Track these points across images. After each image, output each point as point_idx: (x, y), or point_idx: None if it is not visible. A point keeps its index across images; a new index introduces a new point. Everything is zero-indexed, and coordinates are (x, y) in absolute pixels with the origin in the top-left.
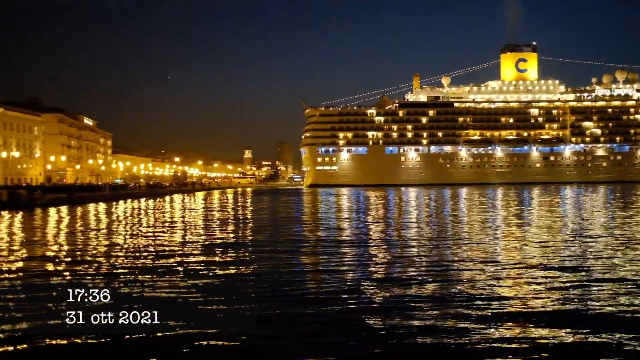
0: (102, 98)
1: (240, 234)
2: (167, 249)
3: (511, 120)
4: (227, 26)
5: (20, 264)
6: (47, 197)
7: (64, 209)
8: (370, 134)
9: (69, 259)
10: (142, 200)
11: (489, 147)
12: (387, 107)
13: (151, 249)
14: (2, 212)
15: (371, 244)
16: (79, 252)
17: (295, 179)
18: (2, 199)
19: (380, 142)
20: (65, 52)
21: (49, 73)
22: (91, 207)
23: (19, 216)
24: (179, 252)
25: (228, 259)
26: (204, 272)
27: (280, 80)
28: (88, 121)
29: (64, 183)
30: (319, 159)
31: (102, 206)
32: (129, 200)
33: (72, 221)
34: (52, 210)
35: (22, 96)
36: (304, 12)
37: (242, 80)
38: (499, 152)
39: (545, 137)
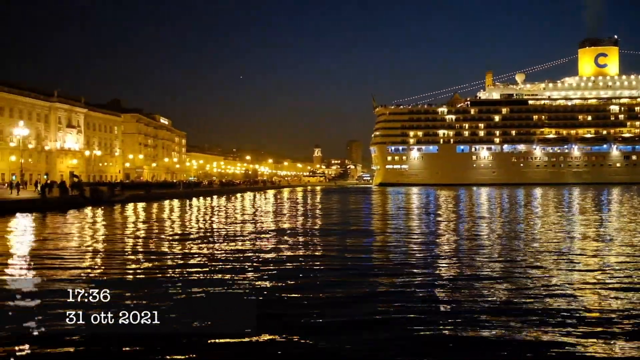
0: (177, 98)
1: (309, 232)
2: (240, 242)
3: (589, 118)
4: (297, 25)
5: (100, 256)
6: (125, 194)
7: (141, 205)
8: (440, 132)
9: (146, 251)
10: (215, 197)
11: (565, 146)
12: (458, 105)
13: (225, 241)
14: (86, 208)
15: (442, 244)
16: (155, 245)
17: (364, 178)
18: (85, 196)
19: (451, 140)
20: (143, 54)
21: (127, 75)
22: (166, 203)
23: (99, 211)
24: (253, 246)
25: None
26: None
27: (350, 79)
28: (164, 120)
29: (141, 180)
30: (389, 158)
31: (176, 203)
32: (201, 198)
33: (148, 216)
34: (130, 206)
35: (104, 98)
36: (375, 10)
37: (313, 79)
38: (575, 151)
39: (627, 135)
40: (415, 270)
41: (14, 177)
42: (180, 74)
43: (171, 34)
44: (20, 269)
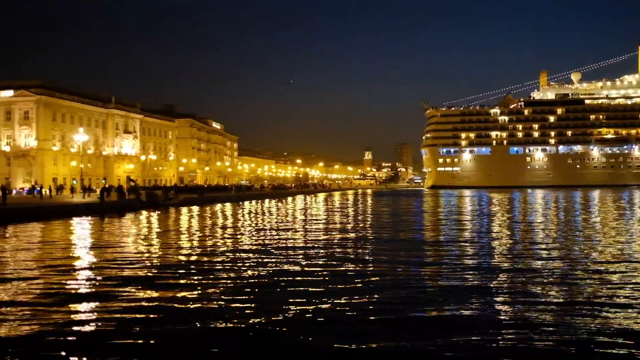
0: (229, 103)
1: (360, 235)
2: (290, 245)
3: None
4: (347, 29)
5: (156, 257)
6: (180, 197)
7: (194, 209)
8: (493, 134)
9: (201, 252)
10: (266, 200)
11: (625, 146)
12: (511, 106)
13: (275, 244)
14: (142, 211)
15: (496, 250)
16: (210, 247)
17: (415, 181)
18: (141, 199)
19: (504, 142)
20: (196, 61)
21: (181, 80)
22: (219, 206)
23: (155, 215)
24: (303, 248)
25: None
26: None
27: (400, 81)
28: (216, 125)
29: (194, 184)
30: (440, 160)
31: (228, 206)
32: (253, 201)
33: (201, 219)
34: (184, 210)
35: (158, 103)
36: (425, 11)
37: (363, 82)
38: (636, 151)
39: None
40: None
41: (74, 182)
42: (231, 78)
43: (222, 40)
44: (84, 268)
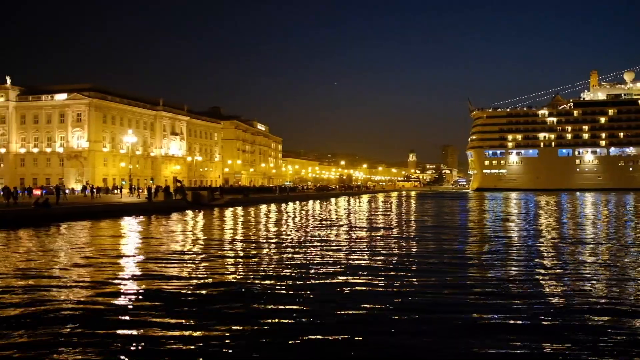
0: (273, 104)
1: (403, 239)
2: (332, 249)
3: None
4: (391, 30)
5: (199, 256)
6: (225, 198)
7: (239, 209)
8: (541, 135)
9: (243, 252)
10: (310, 202)
11: None
12: (560, 107)
13: (317, 245)
14: (188, 211)
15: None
16: (253, 247)
17: (460, 183)
18: (187, 200)
19: (553, 143)
20: (240, 63)
21: (226, 82)
22: (263, 207)
23: (200, 215)
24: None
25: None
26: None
27: (445, 83)
28: (261, 127)
29: (239, 185)
30: (486, 162)
31: (273, 207)
32: (297, 202)
33: (245, 219)
34: (229, 210)
35: (204, 105)
36: (471, 11)
37: (407, 83)
38: None
39: None
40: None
41: (123, 182)
42: (276, 80)
43: (267, 42)
44: (135, 263)
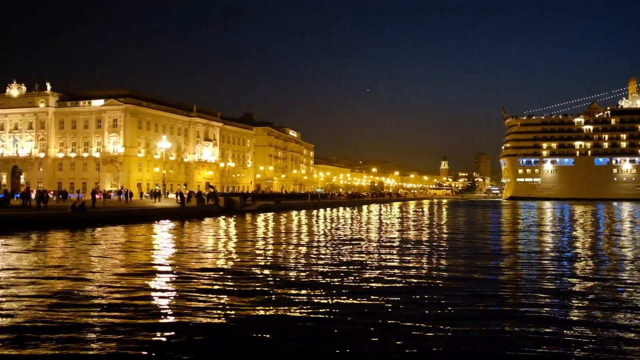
0: (305, 112)
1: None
2: (366, 257)
3: None
4: (424, 39)
5: (230, 261)
6: (257, 204)
7: (270, 215)
8: (577, 144)
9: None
10: (341, 209)
11: None
12: (597, 115)
13: (347, 252)
14: (220, 216)
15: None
16: (283, 255)
17: (492, 191)
18: (220, 205)
19: (589, 152)
20: (273, 70)
21: (259, 89)
22: (294, 213)
23: (231, 220)
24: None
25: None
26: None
27: (478, 90)
28: (293, 133)
29: (270, 191)
30: (520, 171)
31: (303, 213)
32: (328, 209)
33: (276, 225)
34: (261, 216)
35: (236, 111)
36: (503, 19)
37: (439, 91)
38: None
39: None
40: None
41: (157, 187)
42: (308, 87)
43: (299, 49)
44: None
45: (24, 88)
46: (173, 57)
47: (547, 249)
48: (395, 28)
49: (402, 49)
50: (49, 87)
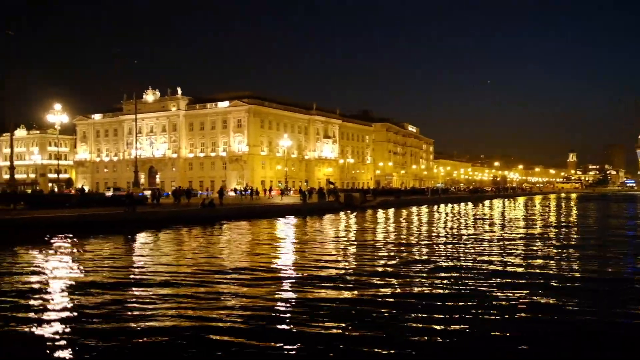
0: (424, 106)
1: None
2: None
3: None
4: (548, 29)
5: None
6: (377, 200)
7: (390, 211)
8: None
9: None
10: (462, 204)
11: None
12: None
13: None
14: (340, 212)
15: None
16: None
17: (627, 184)
18: (340, 201)
19: None
20: (390, 66)
21: (376, 84)
22: (414, 209)
23: (352, 216)
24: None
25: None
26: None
27: (609, 78)
28: (412, 128)
29: (390, 187)
30: None
31: (424, 209)
32: (449, 204)
33: (397, 221)
34: (381, 212)
35: (356, 109)
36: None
37: (565, 81)
38: None
39: None
40: None
41: (280, 184)
42: (426, 81)
43: (416, 43)
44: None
45: (157, 93)
46: (294, 58)
47: None
48: (515, 20)
49: (524, 41)
50: (179, 91)
